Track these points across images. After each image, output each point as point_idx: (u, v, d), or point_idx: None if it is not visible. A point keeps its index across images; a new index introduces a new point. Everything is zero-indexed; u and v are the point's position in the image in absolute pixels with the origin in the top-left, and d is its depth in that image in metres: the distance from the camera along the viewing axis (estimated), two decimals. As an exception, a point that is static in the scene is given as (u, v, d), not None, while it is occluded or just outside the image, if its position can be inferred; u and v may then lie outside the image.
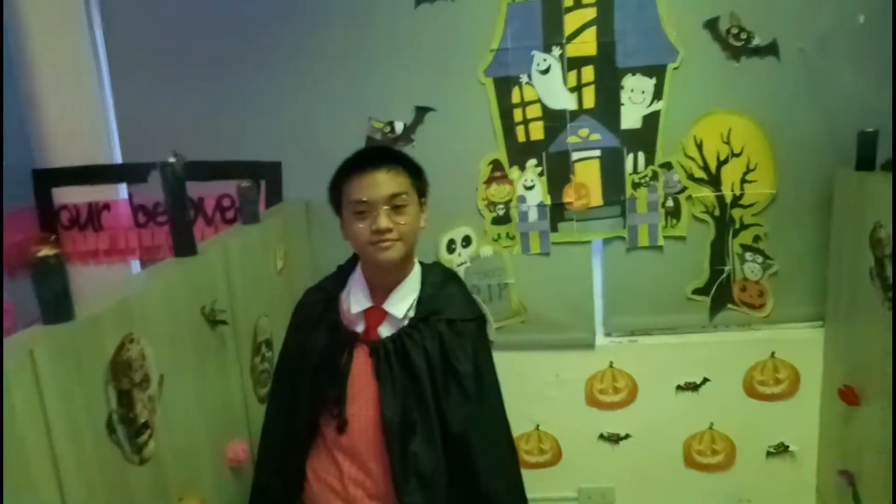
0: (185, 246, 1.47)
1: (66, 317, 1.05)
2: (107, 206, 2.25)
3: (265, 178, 2.18)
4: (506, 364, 2.28)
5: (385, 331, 1.38)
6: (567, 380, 2.38)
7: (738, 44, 2.15)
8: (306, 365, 1.39)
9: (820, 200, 2.19)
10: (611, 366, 2.37)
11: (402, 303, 1.37)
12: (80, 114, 2.20)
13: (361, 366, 1.36)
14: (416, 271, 1.42)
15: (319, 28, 2.20)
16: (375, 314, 1.38)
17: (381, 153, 1.36)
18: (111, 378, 1.12)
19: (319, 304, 1.43)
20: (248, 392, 1.68)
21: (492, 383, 1.45)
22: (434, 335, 1.35)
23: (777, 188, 2.22)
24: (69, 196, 2.22)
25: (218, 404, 1.52)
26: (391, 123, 2.25)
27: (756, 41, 2.14)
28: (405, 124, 2.25)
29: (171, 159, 1.44)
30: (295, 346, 1.45)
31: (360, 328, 1.39)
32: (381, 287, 1.38)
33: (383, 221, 1.28)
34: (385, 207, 1.29)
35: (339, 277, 1.46)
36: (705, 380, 2.35)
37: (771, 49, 2.14)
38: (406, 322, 1.37)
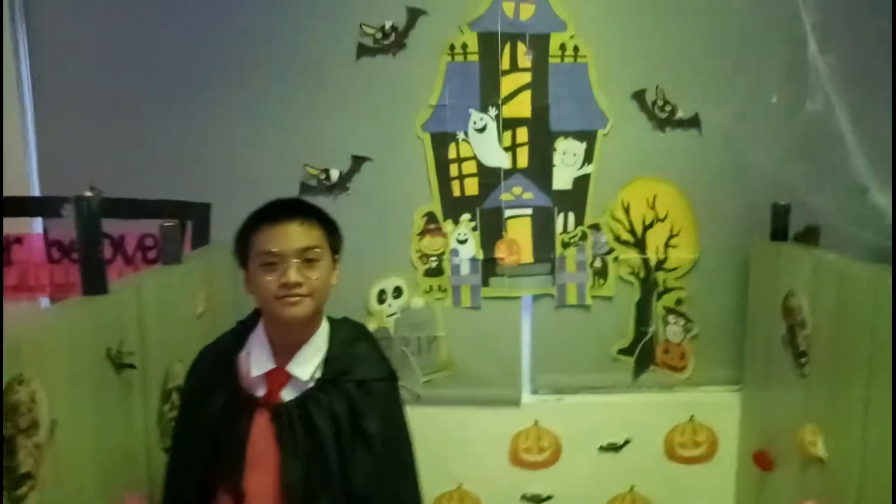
0: (94, 283, 1.40)
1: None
2: (19, 240, 2.13)
3: (192, 219, 2.12)
4: (431, 419, 2.28)
5: (288, 394, 1.30)
6: (492, 437, 2.35)
7: (664, 115, 2.27)
8: (201, 433, 1.30)
9: (738, 267, 2.29)
10: (536, 424, 2.36)
11: (308, 364, 1.31)
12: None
13: (262, 433, 1.28)
14: (324, 329, 1.36)
15: (259, 73, 2.20)
16: (278, 376, 1.30)
17: (295, 205, 1.32)
18: (-6, 421, 1.03)
19: (216, 366, 1.34)
20: (152, 441, 1.58)
21: (402, 443, 1.39)
22: (342, 397, 1.29)
23: (699, 254, 2.32)
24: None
25: (117, 453, 1.42)
26: (327, 171, 2.25)
27: (680, 114, 2.27)
28: (341, 172, 2.25)
29: (88, 193, 1.38)
30: (190, 411, 1.35)
31: (260, 392, 1.30)
32: (285, 346, 1.31)
33: (293, 275, 1.23)
34: (296, 261, 1.25)
35: (239, 335, 1.38)
36: (627, 441, 2.37)
37: (693, 122, 2.27)
38: (312, 384, 1.30)
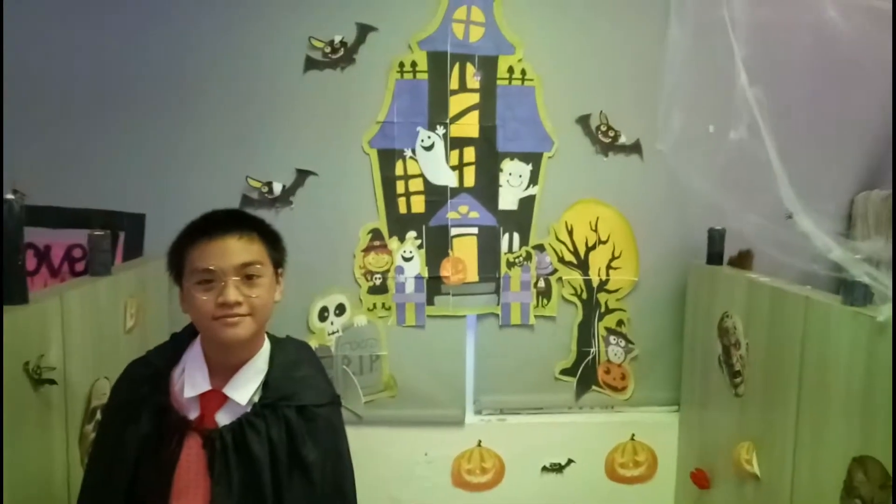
0: (13, 292, 1.31)
1: None
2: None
3: (125, 229, 2.03)
4: (373, 440, 2.24)
5: (223, 418, 1.19)
6: (435, 458, 2.32)
7: (607, 140, 2.33)
8: (123, 457, 1.17)
9: (676, 290, 2.35)
10: (479, 444, 2.34)
11: (246, 387, 1.21)
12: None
13: (192, 459, 1.17)
14: (265, 349, 1.26)
15: (203, 82, 2.15)
16: (213, 399, 1.20)
17: (234, 217, 1.23)
18: None
19: (145, 383, 1.21)
20: (73, 462, 1.47)
21: (343, 472, 1.29)
22: (281, 423, 1.20)
23: (639, 276, 2.37)
24: None
25: (33, 475, 1.32)
26: (269, 184, 2.20)
27: (622, 139, 2.33)
28: (284, 186, 2.21)
29: (9, 195, 1.30)
30: (111, 432, 1.21)
31: (193, 414, 1.19)
32: (223, 367, 1.21)
33: (231, 294, 1.13)
34: (235, 278, 1.15)
35: (173, 350, 1.26)
36: (570, 461, 2.38)
37: (635, 148, 2.34)
38: (249, 408, 1.21)
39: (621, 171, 2.33)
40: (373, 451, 2.22)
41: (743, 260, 2.20)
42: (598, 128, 2.32)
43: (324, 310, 2.26)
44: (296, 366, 1.28)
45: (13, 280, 1.31)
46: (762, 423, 1.81)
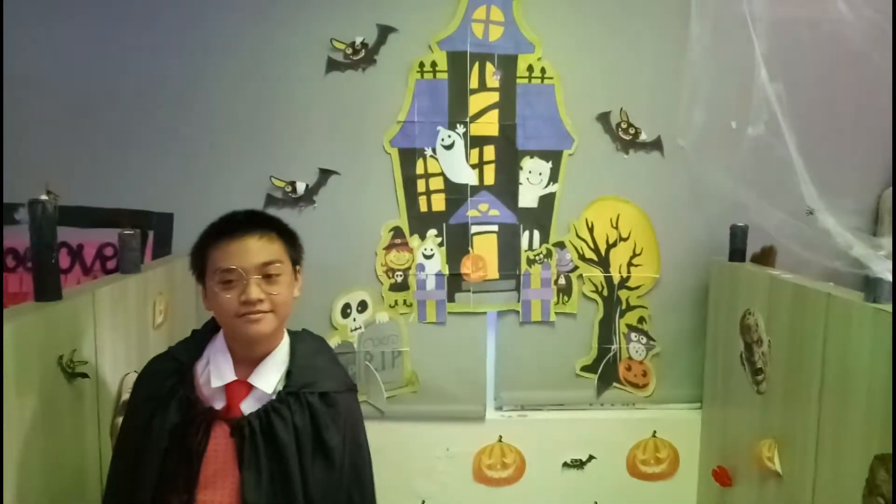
0: (47, 289, 1.36)
1: None
2: (-24, 249, 2.07)
3: (154, 228, 2.09)
4: (395, 435, 2.27)
5: (248, 407, 1.24)
6: (456, 453, 2.34)
7: (627, 137, 2.32)
8: (152, 448, 1.21)
9: (698, 287, 2.34)
10: (500, 440, 2.36)
11: (270, 376, 1.26)
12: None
13: (220, 447, 1.22)
14: (286, 342, 1.32)
15: (228, 83, 2.20)
16: (239, 389, 1.25)
17: (253, 217, 1.28)
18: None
19: (170, 376, 1.26)
20: (105, 453, 1.53)
21: (362, 456, 1.36)
22: (304, 409, 1.25)
23: (660, 273, 2.36)
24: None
25: (68, 465, 1.38)
26: (293, 183, 2.24)
27: (643, 136, 2.32)
28: (307, 185, 2.25)
29: (43, 196, 1.35)
30: (138, 425, 1.25)
31: (219, 404, 1.24)
32: (247, 359, 1.27)
33: (254, 292, 1.19)
34: (256, 277, 1.20)
35: (195, 345, 1.31)
36: (591, 457, 2.38)
37: (656, 145, 2.33)
38: (273, 397, 1.25)
39: (642, 168, 2.33)
40: (395, 445, 2.25)
41: (765, 257, 2.19)
42: (618, 125, 2.32)
43: (346, 306, 2.29)
44: (315, 355, 1.34)
45: (48, 277, 1.37)
46: (784, 420, 1.79)
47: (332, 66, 2.22)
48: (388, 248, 2.30)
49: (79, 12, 2.16)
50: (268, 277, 1.23)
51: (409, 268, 2.31)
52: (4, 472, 1.14)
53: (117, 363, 1.58)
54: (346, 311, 2.29)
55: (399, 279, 2.31)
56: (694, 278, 2.35)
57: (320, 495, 1.24)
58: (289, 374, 1.28)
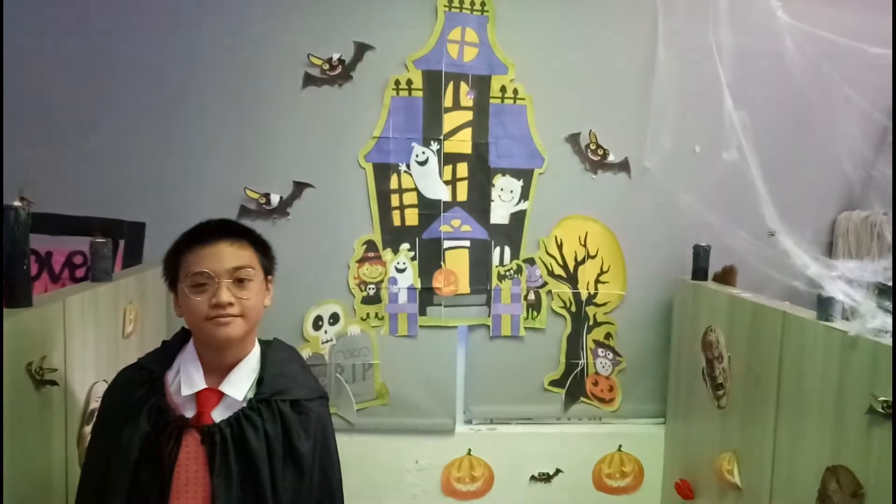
0: (18, 296, 1.35)
1: None
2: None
3: (125, 237, 2.08)
4: (364, 447, 2.28)
5: (220, 414, 1.25)
6: (426, 466, 2.36)
7: (596, 158, 2.39)
8: (123, 458, 1.21)
9: (663, 304, 2.41)
10: (469, 453, 2.38)
11: (241, 384, 1.28)
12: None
13: (191, 455, 1.22)
14: (257, 349, 1.34)
15: (202, 95, 2.22)
16: (209, 397, 1.26)
17: (226, 225, 1.30)
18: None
19: (140, 386, 1.26)
20: (71, 461, 1.51)
21: (331, 462, 1.37)
22: (276, 417, 1.27)
23: (627, 290, 2.42)
24: None
25: (33, 473, 1.36)
26: (267, 195, 2.26)
27: (611, 157, 2.40)
28: (281, 197, 2.26)
29: (16, 203, 1.35)
30: (108, 436, 1.24)
31: (189, 413, 1.25)
32: (217, 367, 1.28)
33: (224, 295, 1.21)
34: (227, 281, 1.23)
35: (165, 355, 1.32)
36: (558, 471, 2.42)
37: (623, 166, 2.40)
38: (244, 404, 1.26)
39: (610, 189, 2.40)
40: (364, 457, 2.26)
41: (727, 276, 2.27)
42: (587, 146, 2.39)
43: (318, 318, 2.31)
44: (286, 364, 1.36)
45: (19, 284, 1.36)
46: (743, 434, 1.86)
47: (309, 80, 2.25)
48: (361, 261, 2.32)
49: (54, 19, 2.15)
50: (239, 282, 1.25)
51: (381, 281, 2.33)
52: (-31, 479, 1.13)
53: (86, 371, 1.57)
54: (317, 324, 2.30)
55: (371, 292, 2.33)
56: (659, 295, 2.41)
57: (290, 500, 1.25)
58: (260, 382, 1.29)
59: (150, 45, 2.18)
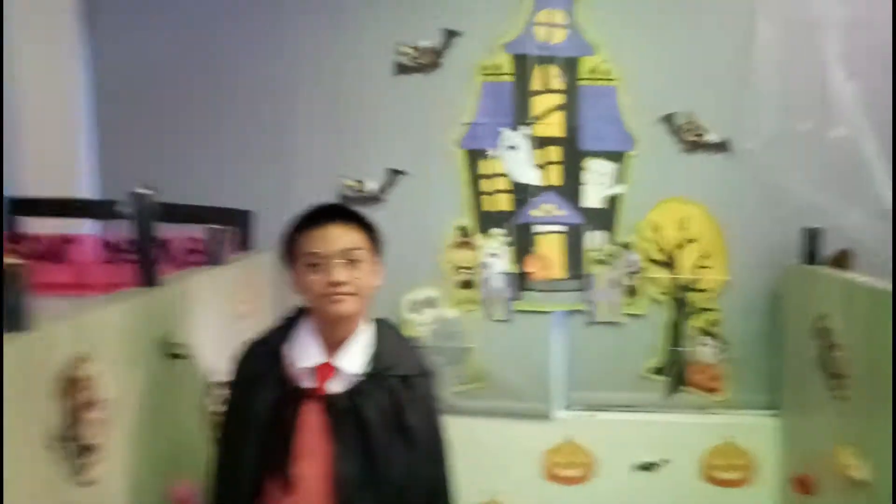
0: (147, 276, 1.45)
1: (25, 326, 1.02)
2: (75, 240, 2.20)
3: (236, 225, 2.18)
4: (463, 430, 2.25)
5: (336, 386, 1.33)
6: (525, 451, 2.35)
7: (692, 139, 2.30)
8: (251, 422, 1.32)
9: (770, 290, 2.29)
10: (569, 440, 2.35)
11: (355, 358, 1.34)
12: (60, 149, 2.21)
13: (311, 422, 1.31)
14: (369, 327, 1.41)
15: (301, 87, 2.31)
16: (326, 369, 1.34)
17: (336, 209, 1.38)
18: (60, 393, 1.07)
19: (264, 358, 1.37)
20: (197, 432, 1.61)
21: (439, 436, 1.42)
22: (386, 391, 1.33)
23: (731, 275, 2.31)
24: (40, 227, 2.18)
25: (167, 439, 1.45)
26: (363, 183, 2.32)
27: (708, 138, 2.30)
28: (377, 185, 2.32)
29: (143, 190, 1.45)
30: (239, 403, 1.37)
31: (308, 384, 1.33)
32: (333, 341, 1.35)
33: (338, 274, 1.28)
34: (339, 261, 1.29)
35: (284, 329, 1.41)
36: (663, 460, 2.34)
37: (723, 146, 2.30)
38: (358, 378, 1.34)
39: (709, 170, 2.30)
40: (463, 440, 2.23)
41: (841, 259, 2.13)
42: (682, 126, 2.31)
43: (414, 303, 2.34)
44: (396, 341, 1.42)
45: (147, 265, 1.46)
46: (865, 426, 1.73)
47: (400, 69, 2.30)
48: (455, 246, 2.34)
49: (161, 23, 2.32)
50: (350, 262, 1.31)
51: (475, 266, 2.34)
52: (122, 442, 1.22)
53: (208, 348, 1.66)
54: (414, 308, 2.34)
55: (465, 277, 2.34)
56: (766, 281, 2.29)
57: (402, 471, 1.31)
58: (371, 357, 1.35)
59: (255, 47, 2.31)
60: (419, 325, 2.34)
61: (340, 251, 1.30)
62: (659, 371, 2.35)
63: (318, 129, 2.31)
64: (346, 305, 1.30)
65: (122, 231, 2.22)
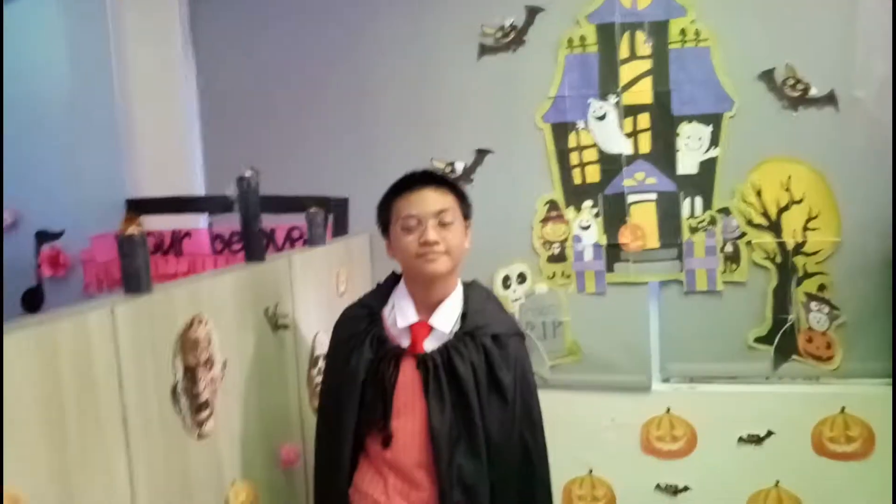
0: (254, 252, 1.58)
1: (145, 288, 1.15)
2: (188, 234, 2.43)
3: (333, 212, 2.32)
4: (560, 404, 2.29)
5: (430, 345, 1.40)
6: (622, 424, 2.33)
7: (795, 94, 2.18)
8: (351, 380, 1.40)
9: (887, 250, 2.13)
10: (668, 412, 2.30)
11: (448, 318, 1.41)
12: (171, 150, 2.44)
13: (408, 379, 1.38)
14: (460, 288, 1.46)
15: (390, 77, 2.39)
16: (421, 329, 1.41)
17: (428, 174, 1.44)
18: (179, 351, 1.20)
19: (363, 320, 1.45)
20: (303, 399, 1.73)
21: (531, 395, 1.45)
22: (479, 349, 1.37)
23: (842, 237, 2.18)
24: (156, 224, 2.42)
25: (274, 403, 1.58)
26: (452, 164, 2.38)
27: (813, 91, 2.17)
28: (465, 165, 2.37)
29: (248, 173, 1.58)
30: (339, 361, 1.45)
31: (405, 343, 1.41)
32: (426, 302, 1.42)
33: (431, 234, 1.35)
34: (433, 221, 1.36)
35: (380, 294, 1.50)
36: (770, 433, 2.24)
37: (828, 99, 2.16)
38: (451, 337, 1.40)
39: (814, 126, 2.17)
40: (559, 414, 2.24)
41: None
42: (784, 81, 2.19)
43: (506, 278, 2.37)
44: (486, 302, 1.47)
45: (253, 241, 1.59)
46: None
47: (484, 50, 2.33)
48: (545, 220, 2.35)
49: (259, 29, 2.48)
50: (442, 224, 1.37)
51: (565, 240, 2.34)
52: (233, 403, 1.35)
53: (310, 322, 1.78)
54: (506, 283, 2.37)
55: (556, 251, 2.35)
56: (880, 241, 2.13)
57: (496, 427, 1.36)
58: (464, 317, 1.41)
59: (344, 46, 2.42)
60: (512, 299, 2.37)
61: (433, 212, 1.37)
62: (765, 340, 2.25)
63: (408, 116, 2.39)
64: (439, 264, 1.36)
65: (227, 224, 2.44)
